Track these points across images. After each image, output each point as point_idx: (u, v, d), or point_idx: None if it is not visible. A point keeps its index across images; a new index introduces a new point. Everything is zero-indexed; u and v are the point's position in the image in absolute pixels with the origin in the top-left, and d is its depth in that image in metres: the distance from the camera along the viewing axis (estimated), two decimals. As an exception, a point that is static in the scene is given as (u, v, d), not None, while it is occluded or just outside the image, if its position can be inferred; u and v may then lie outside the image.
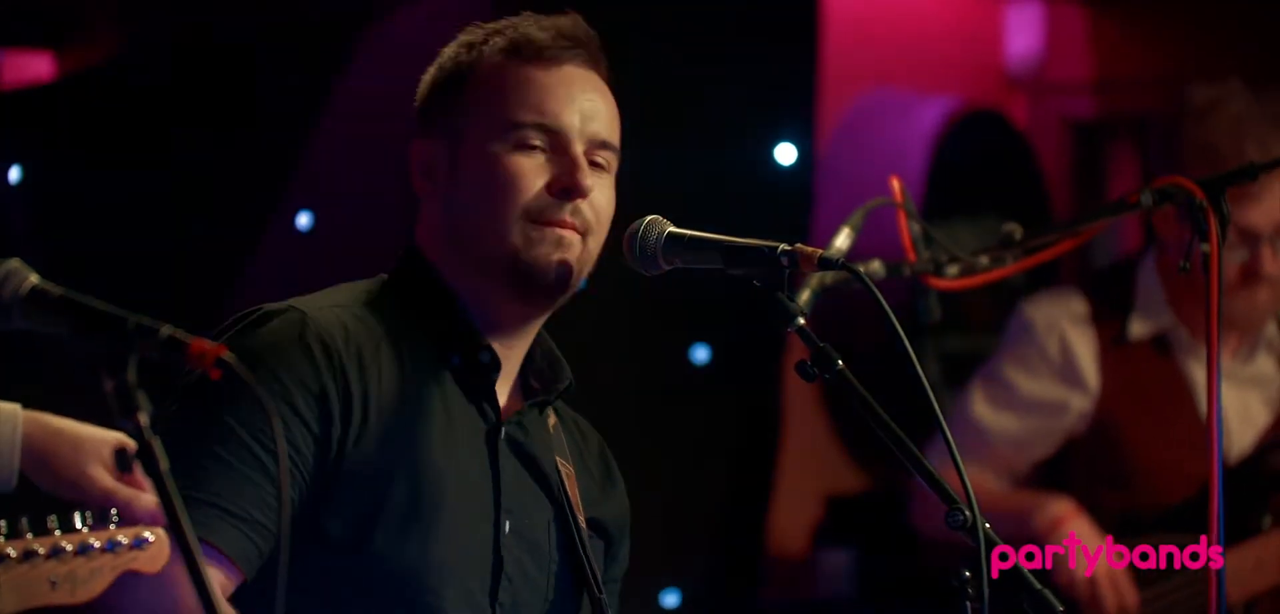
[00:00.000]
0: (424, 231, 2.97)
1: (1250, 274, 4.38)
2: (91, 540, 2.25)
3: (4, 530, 2.20)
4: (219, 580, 2.68)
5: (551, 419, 3.04)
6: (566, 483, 2.99)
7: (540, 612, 2.93)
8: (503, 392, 2.95)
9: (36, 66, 5.39)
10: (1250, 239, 4.34)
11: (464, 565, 2.84)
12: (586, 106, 2.91)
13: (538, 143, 2.88)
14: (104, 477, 2.46)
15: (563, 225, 2.87)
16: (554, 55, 2.90)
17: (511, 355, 2.96)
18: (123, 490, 2.45)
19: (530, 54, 2.90)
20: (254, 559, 2.72)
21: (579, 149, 2.89)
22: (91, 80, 5.30)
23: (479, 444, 2.90)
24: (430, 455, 2.83)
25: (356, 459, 2.78)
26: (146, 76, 5.27)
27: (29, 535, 2.22)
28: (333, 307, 2.85)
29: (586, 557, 2.97)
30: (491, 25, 2.95)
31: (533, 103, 2.88)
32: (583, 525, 2.99)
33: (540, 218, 2.86)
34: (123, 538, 2.28)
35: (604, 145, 2.92)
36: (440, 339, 2.90)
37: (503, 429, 2.92)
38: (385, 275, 2.99)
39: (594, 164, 2.91)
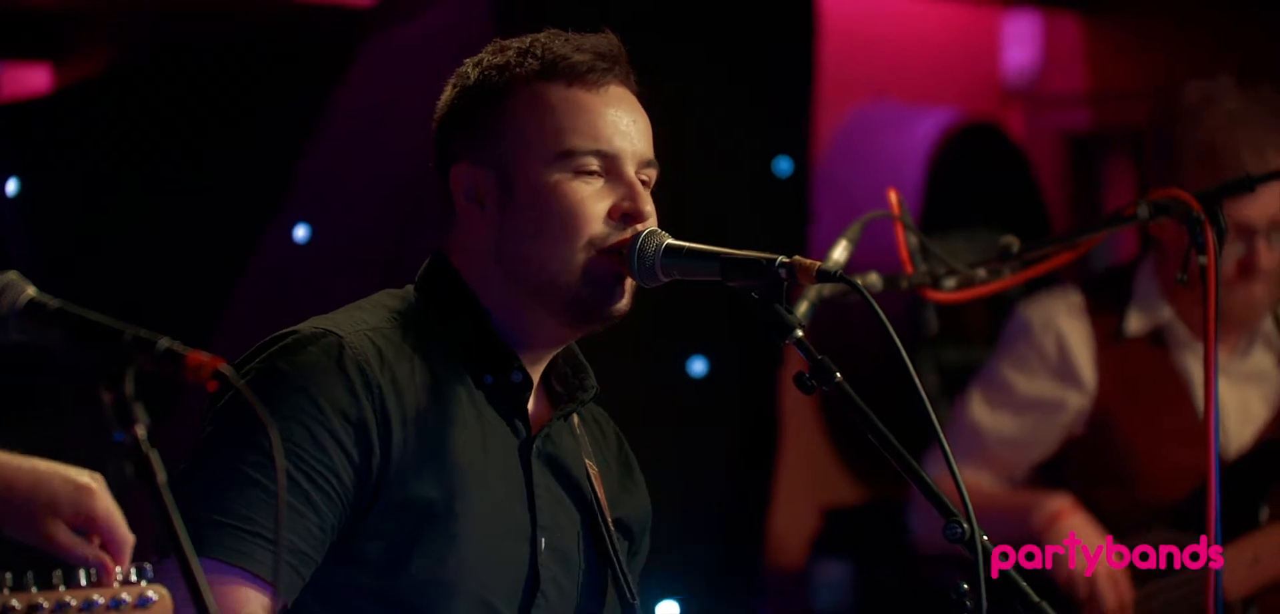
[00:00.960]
0: (460, 250, 2.94)
1: (1247, 268, 4.38)
2: (95, 596, 2.24)
3: (10, 583, 2.19)
4: (263, 604, 2.67)
5: (575, 420, 3.04)
6: (595, 485, 2.99)
7: None
8: (530, 402, 2.94)
9: (34, 79, 5.39)
10: (1246, 233, 4.34)
11: (497, 585, 2.83)
12: (634, 128, 2.91)
13: (595, 168, 2.87)
14: (59, 532, 2.41)
15: (625, 247, 2.86)
16: (598, 78, 2.89)
17: (540, 368, 2.96)
18: (78, 548, 2.40)
19: (573, 76, 2.88)
20: (295, 585, 2.71)
21: (633, 172, 2.89)
22: (89, 92, 5.30)
23: (512, 460, 2.89)
24: (467, 475, 2.82)
25: (395, 482, 2.77)
26: (144, 89, 5.27)
27: (33, 589, 2.21)
28: (367, 329, 2.83)
29: (617, 559, 2.98)
30: (517, 43, 2.93)
31: (587, 129, 2.87)
32: (611, 527, 2.99)
33: (603, 243, 2.85)
34: (126, 596, 2.27)
35: (649, 163, 2.93)
36: (473, 357, 2.90)
37: (535, 444, 2.91)
38: (412, 286, 2.97)
39: (642, 182, 2.91)
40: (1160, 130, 4.44)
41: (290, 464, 2.68)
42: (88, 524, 2.38)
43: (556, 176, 2.86)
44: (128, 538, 2.37)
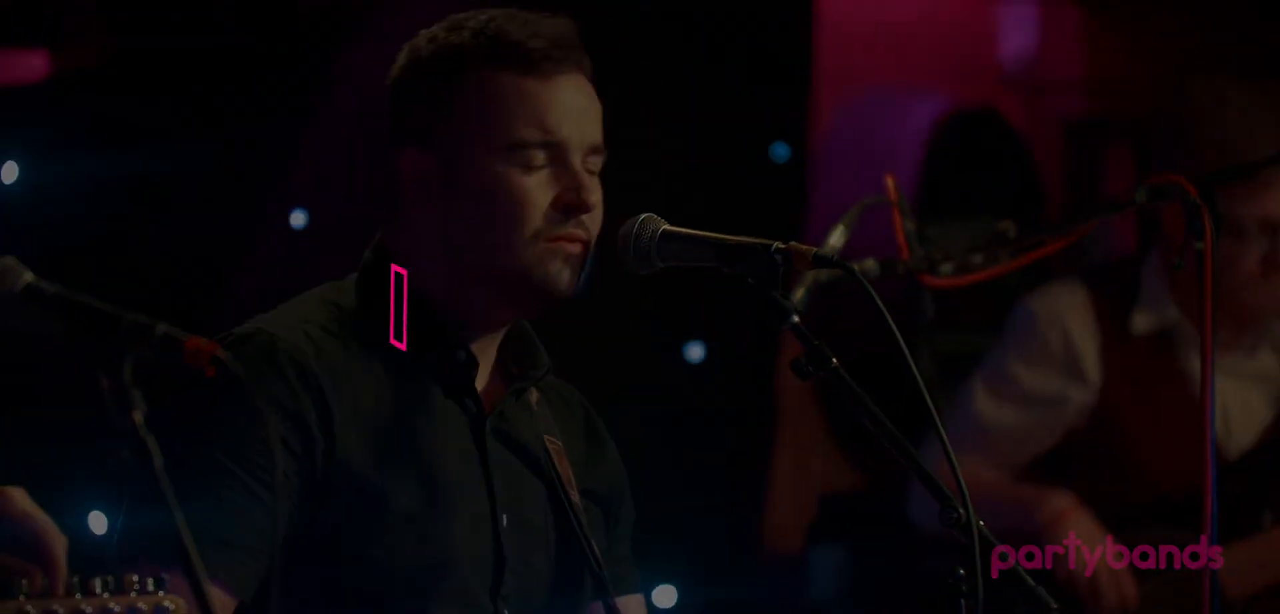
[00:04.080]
0: (403, 237, 2.95)
1: (1270, 264, 4.38)
2: (111, 605, 2.25)
3: (25, 589, 2.20)
4: (220, 600, 2.68)
5: (534, 396, 3.04)
6: (556, 461, 3.00)
7: (544, 597, 2.94)
8: (480, 382, 2.95)
9: (31, 64, 5.38)
10: (1269, 229, 4.34)
11: (464, 564, 2.85)
12: (582, 115, 2.91)
13: (539, 161, 2.88)
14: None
15: (571, 240, 2.88)
16: (550, 68, 2.89)
17: (490, 349, 2.97)
18: (34, 519, 2.37)
19: (525, 65, 2.89)
20: (248, 582, 2.73)
21: (579, 162, 2.90)
22: (86, 78, 5.29)
23: (465, 440, 2.91)
24: (420, 457, 2.84)
25: (345, 472, 2.78)
26: (141, 74, 5.26)
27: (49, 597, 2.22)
28: (300, 323, 2.85)
29: (583, 534, 2.98)
30: (472, 21, 2.92)
31: (534, 119, 2.88)
32: (576, 502, 3.00)
33: (548, 235, 2.87)
34: (142, 605, 2.27)
35: (596, 149, 2.93)
36: (416, 342, 2.90)
37: (488, 423, 2.92)
38: (353, 277, 2.98)
39: (588, 171, 2.91)
40: (1172, 124, 4.43)
41: (230, 461, 2.71)
42: (15, 525, 2.30)
43: (500, 167, 2.87)
44: (58, 536, 2.27)
